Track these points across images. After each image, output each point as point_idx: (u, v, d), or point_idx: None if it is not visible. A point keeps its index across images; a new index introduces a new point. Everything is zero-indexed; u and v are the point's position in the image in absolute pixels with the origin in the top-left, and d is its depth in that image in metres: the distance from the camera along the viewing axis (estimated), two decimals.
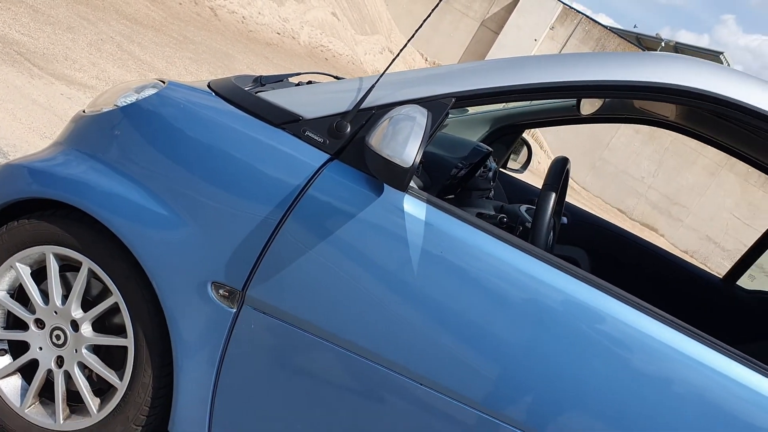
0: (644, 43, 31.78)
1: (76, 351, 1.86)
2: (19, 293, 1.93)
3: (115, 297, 1.79)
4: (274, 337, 1.66)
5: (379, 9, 17.02)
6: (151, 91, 1.86)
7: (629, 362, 1.50)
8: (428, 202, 1.61)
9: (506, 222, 1.97)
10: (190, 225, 1.69)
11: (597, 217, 3.09)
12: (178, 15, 9.08)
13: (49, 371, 1.90)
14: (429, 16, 1.87)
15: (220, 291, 1.68)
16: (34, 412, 1.92)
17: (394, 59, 1.72)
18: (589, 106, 2.26)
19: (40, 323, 1.88)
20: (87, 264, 1.80)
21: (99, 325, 1.86)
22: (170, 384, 1.80)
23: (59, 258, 1.85)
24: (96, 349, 1.87)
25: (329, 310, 1.60)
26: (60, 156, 1.86)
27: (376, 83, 1.69)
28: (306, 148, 1.66)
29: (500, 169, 3.09)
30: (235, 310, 1.68)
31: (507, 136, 3.06)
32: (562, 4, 20.92)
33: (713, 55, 26.23)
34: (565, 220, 2.73)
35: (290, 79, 2.16)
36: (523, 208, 2.08)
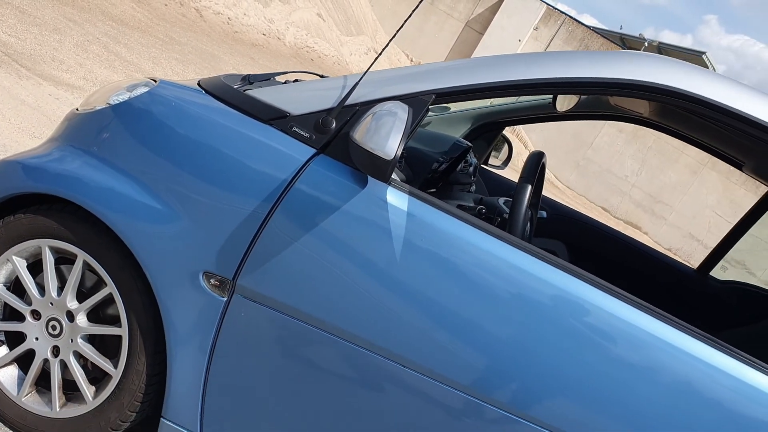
0: (628, 43, 32.02)
1: (72, 341, 1.92)
2: (15, 285, 1.99)
3: (110, 288, 1.86)
4: (264, 324, 1.74)
5: (364, 10, 17.10)
6: (143, 90, 1.93)
7: (603, 345, 1.58)
8: (410, 193, 1.69)
9: (485, 213, 2.06)
10: (182, 217, 1.76)
11: (575, 211, 3.18)
12: (164, 16, 9.11)
13: (45, 361, 1.96)
14: (410, 15, 1.96)
15: (212, 280, 1.75)
16: (30, 401, 1.98)
17: (376, 58, 1.80)
18: (564, 103, 2.35)
19: (36, 314, 1.95)
20: (82, 256, 1.87)
21: (94, 316, 1.93)
22: (164, 371, 1.87)
23: (55, 251, 1.91)
24: (91, 339, 1.93)
25: (316, 297, 1.68)
26: (55, 152, 1.93)
27: (359, 81, 1.77)
28: (293, 143, 1.74)
29: (482, 166, 3.18)
30: (226, 299, 1.75)
31: (488, 133, 3.15)
32: (545, 5, 21.10)
33: (696, 56, 26.49)
34: (544, 214, 2.82)
35: (277, 78, 2.23)
36: (501, 200, 2.17)
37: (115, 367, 1.89)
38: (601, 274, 1.92)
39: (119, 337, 1.88)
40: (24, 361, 2.00)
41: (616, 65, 1.67)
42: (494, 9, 21.40)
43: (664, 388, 1.55)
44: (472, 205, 2.11)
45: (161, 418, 1.86)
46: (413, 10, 1.94)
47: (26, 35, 5.29)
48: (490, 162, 3.29)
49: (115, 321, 1.91)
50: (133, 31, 7.51)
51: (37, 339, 1.96)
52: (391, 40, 1.80)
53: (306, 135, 1.74)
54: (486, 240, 1.64)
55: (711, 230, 19.39)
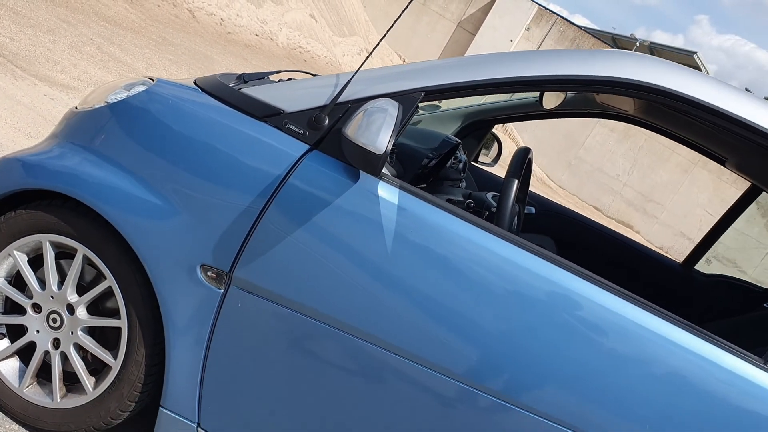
0: (619, 43, 32.15)
1: (72, 333, 1.97)
2: (16, 279, 2.04)
3: (109, 281, 1.91)
4: (259, 314, 1.79)
5: (356, 11, 17.16)
6: (141, 88, 1.98)
7: (588, 333, 1.63)
8: (401, 187, 1.75)
9: (473, 207, 2.12)
10: (180, 212, 1.81)
11: (563, 207, 3.25)
12: (157, 17, 9.14)
13: (46, 353, 2.01)
14: (400, 15, 2.02)
15: (209, 273, 1.81)
16: (32, 392, 2.03)
17: (368, 56, 1.86)
18: (550, 100, 2.41)
19: (37, 308, 2.00)
20: (82, 251, 1.92)
21: (93, 308, 1.98)
22: (162, 361, 1.92)
23: (55, 245, 1.96)
24: (91, 331, 1.98)
25: (310, 288, 1.74)
26: (55, 149, 1.98)
27: (351, 79, 1.83)
28: (287, 140, 1.80)
29: (472, 163, 3.24)
30: (222, 291, 1.81)
31: (478, 131, 3.21)
32: (537, 6, 21.20)
33: (687, 55, 26.64)
34: (533, 210, 2.89)
35: (271, 77, 2.29)
36: (490, 195, 2.23)
37: (115, 358, 1.94)
38: (588, 268, 1.98)
39: (118, 329, 1.93)
40: (25, 354, 2.06)
41: (598, 63, 1.74)
42: (486, 9, 21.49)
43: (651, 375, 1.61)
44: (461, 199, 2.18)
45: (160, 407, 1.92)
46: (403, 10, 2.01)
47: (21, 36, 5.33)
48: (480, 159, 3.35)
49: (114, 313, 1.96)
50: (126, 32, 7.55)
51: (38, 332, 2.01)
52: (381, 39, 1.86)
53: (300, 131, 1.80)
54: (474, 232, 1.70)
55: (702, 228, 19.50)
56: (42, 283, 1.99)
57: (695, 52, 26.22)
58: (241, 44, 10.99)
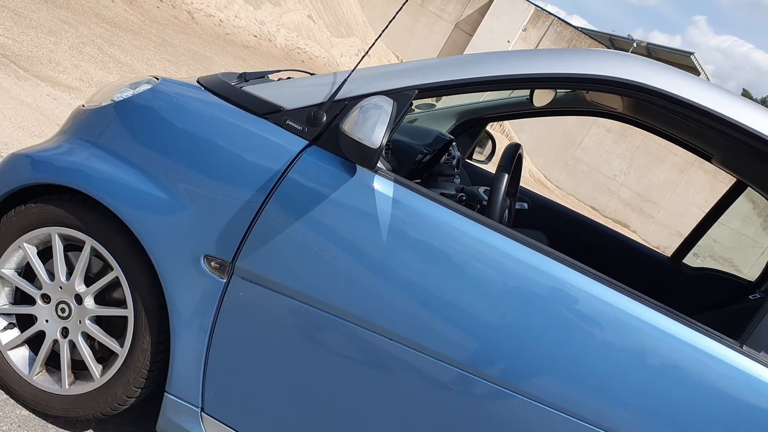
0: (617, 44, 32.24)
1: (80, 322, 2.05)
2: (26, 271, 2.12)
3: (116, 272, 1.99)
4: (261, 302, 1.87)
5: (354, 12, 17.24)
6: (146, 87, 2.06)
7: (577, 321, 1.71)
8: (395, 181, 1.83)
9: (465, 200, 2.20)
10: (185, 205, 1.89)
11: (555, 203, 3.34)
12: (156, 18, 9.22)
13: (55, 341, 2.09)
14: (395, 15, 2.10)
15: (212, 263, 1.89)
16: (41, 379, 2.11)
17: (364, 55, 1.94)
18: (541, 98, 2.49)
19: (46, 298, 2.08)
20: (90, 243, 2.00)
21: (100, 298, 2.06)
22: (167, 349, 2.00)
23: (64, 238, 2.04)
24: (98, 320, 2.06)
25: (308, 276, 1.82)
26: (64, 144, 2.06)
27: (348, 77, 1.91)
28: (287, 135, 1.88)
29: (467, 160, 3.32)
30: (225, 280, 1.89)
31: (472, 129, 3.30)
32: (534, 6, 21.31)
33: (684, 56, 26.74)
34: (525, 205, 2.98)
35: (271, 76, 2.37)
36: (482, 189, 2.32)
37: (121, 346, 2.02)
38: (579, 261, 2.06)
39: (125, 318, 2.01)
40: (35, 343, 2.14)
41: (582, 62, 1.82)
42: (483, 10, 21.60)
43: (635, 359, 1.68)
44: (454, 192, 2.26)
45: (165, 393, 2.00)
46: (398, 10, 2.09)
47: (23, 37, 5.41)
48: (474, 157, 3.43)
49: (120, 303, 2.04)
50: (126, 33, 7.63)
51: (47, 321, 2.09)
52: (377, 39, 1.94)
53: (299, 128, 1.88)
54: (465, 223, 1.78)
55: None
56: (51, 274, 2.07)
57: (692, 53, 26.30)
58: (240, 45, 11.07)
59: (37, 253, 2.09)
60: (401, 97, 1.85)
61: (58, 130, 2.20)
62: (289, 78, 2.33)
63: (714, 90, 1.80)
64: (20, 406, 2.13)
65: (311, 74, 2.35)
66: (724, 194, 3.03)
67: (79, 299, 2.04)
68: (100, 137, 2.03)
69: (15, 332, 2.14)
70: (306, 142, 1.87)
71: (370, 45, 1.95)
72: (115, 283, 2.02)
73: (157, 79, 2.11)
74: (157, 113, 1.98)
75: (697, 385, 1.66)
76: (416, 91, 1.86)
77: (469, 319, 1.74)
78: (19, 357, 2.13)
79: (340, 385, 1.86)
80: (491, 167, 3.47)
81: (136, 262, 1.96)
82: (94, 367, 2.06)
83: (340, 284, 1.80)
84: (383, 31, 1.98)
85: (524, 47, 21.08)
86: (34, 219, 2.04)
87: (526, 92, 2.94)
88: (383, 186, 1.81)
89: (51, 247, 2.05)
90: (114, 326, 2.07)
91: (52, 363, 2.14)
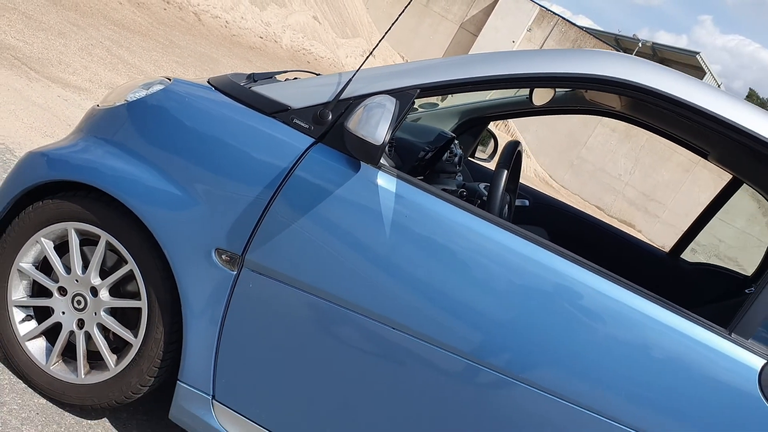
0: (622, 44, 32.26)
1: (95, 314, 2.13)
2: (43, 265, 2.21)
3: (131, 265, 2.07)
4: (269, 293, 1.95)
5: (359, 12, 17.33)
6: (159, 87, 2.14)
7: (573, 311, 1.78)
8: (398, 177, 1.91)
9: (465, 196, 2.28)
10: (196, 201, 1.97)
11: (556, 200, 3.41)
12: (163, 20, 9.32)
13: (71, 333, 2.17)
14: (400, 15, 2.17)
15: (223, 256, 1.97)
16: (58, 369, 2.19)
17: (368, 55, 2.02)
18: (540, 97, 2.56)
19: (62, 291, 2.16)
20: (105, 237, 2.08)
21: (115, 291, 2.14)
22: (179, 339, 2.08)
23: (79, 233, 2.12)
24: (113, 312, 2.14)
25: (315, 268, 1.90)
26: (80, 143, 2.14)
27: (353, 77, 1.99)
28: (294, 134, 1.96)
29: (469, 159, 3.40)
30: (235, 273, 1.97)
31: (474, 127, 3.37)
32: (539, 7, 21.36)
33: (690, 56, 26.75)
34: (526, 202, 3.05)
35: (279, 76, 2.45)
36: (482, 185, 2.39)
37: (135, 336, 2.10)
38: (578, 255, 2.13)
39: (139, 310, 2.09)
40: (52, 334, 2.22)
41: (580, 61, 1.89)
42: (488, 11, 21.66)
43: (632, 348, 1.75)
44: (455, 188, 2.33)
45: (177, 381, 2.08)
46: (403, 10, 2.16)
47: (33, 40, 5.51)
48: (477, 155, 3.51)
49: (134, 295, 2.12)
50: (134, 35, 7.73)
51: (63, 313, 2.17)
52: (382, 38, 2.02)
53: (305, 126, 1.96)
54: (466, 217, 1.86)
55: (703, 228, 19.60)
56: (67, 268, 2.15)
57: (698, 53, 26.30)
58: (246, 46, 11.17)
59: (54, 248, 2.17)
60: (404, 96, 1.92)
61: (73, 129, 2.28)
62: (295, 78, 2.41)
63: (705, 88, 1.86)
64: (38, 395, 2.21)
65: (317, 75, 2.43)
66: (720, 191, 3.09)
67: (94, 292, 2.13)
68: (114, 136, 2.11)
69: (33, 324, 2.23)
70: (312, 140, 1.94)
71: (374, 45, 2.02)
72: (129, 276, 2.10)
73: (169, 79, 2.19)
74: (170, 113, 2.06)
75: (686, 367, 1.73)
76: (418, 90, 1.94)
77: (469, 310, 1.81)
78: (37, 348, 2.22)
79: (346, 374, 1.93)
80: (494, 165, 3.54)
81: (150, 255, 2.04)
82: (109, 357, 2.14)
83: (345, 276, 1.88)
84: (387, 31, 2.06)
85: (529, 47, 21.13)
86: (51, 215, 2.12)
87: (527, 91, 3.00)
88: (386, 182, 1.89)
89: (67, 241, 2.13)
90: (128, 317, 2.14)
91: (69, 353, 2.23)
